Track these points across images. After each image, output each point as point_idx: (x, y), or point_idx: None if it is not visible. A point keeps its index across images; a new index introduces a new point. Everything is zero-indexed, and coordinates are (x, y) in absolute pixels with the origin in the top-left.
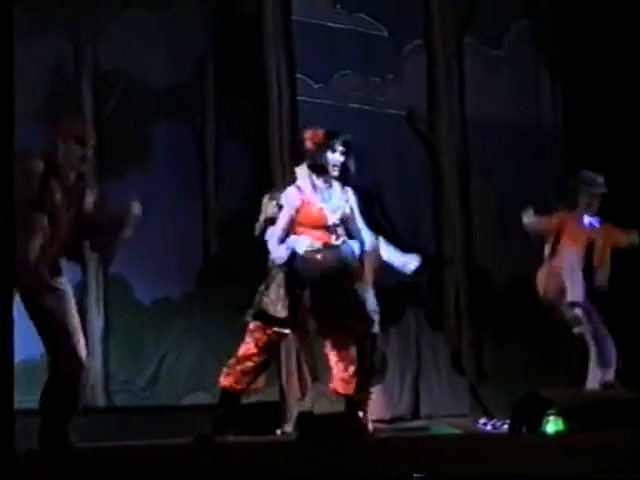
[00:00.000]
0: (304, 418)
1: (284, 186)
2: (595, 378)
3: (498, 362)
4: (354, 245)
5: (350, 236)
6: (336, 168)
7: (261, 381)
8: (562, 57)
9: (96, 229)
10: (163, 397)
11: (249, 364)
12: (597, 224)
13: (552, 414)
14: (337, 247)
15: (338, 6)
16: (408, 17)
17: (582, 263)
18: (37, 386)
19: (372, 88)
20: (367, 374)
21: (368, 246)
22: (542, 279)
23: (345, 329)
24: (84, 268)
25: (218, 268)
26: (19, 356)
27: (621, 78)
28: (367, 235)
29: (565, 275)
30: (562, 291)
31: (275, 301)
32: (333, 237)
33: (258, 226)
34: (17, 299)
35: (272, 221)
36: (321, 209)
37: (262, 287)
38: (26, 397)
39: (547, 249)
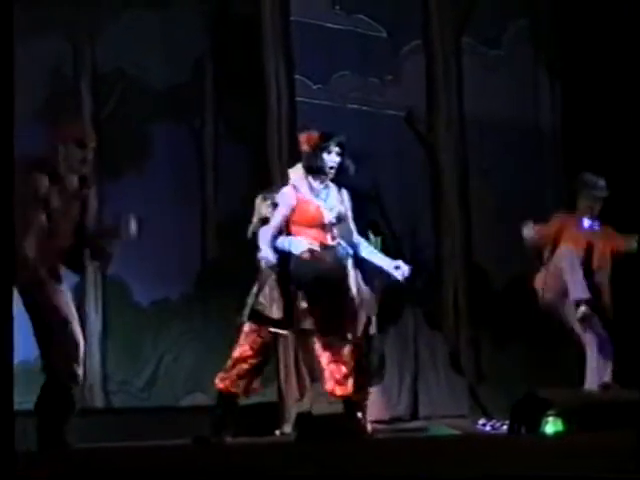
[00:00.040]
0: (303, 419)
1: (281, 187)
2: (593, 379)
3: (497, 362)
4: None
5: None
6: (332, 170)
7: (257, 383)
8: (560, 57)
9: (91, 238)
10: (161, 398)
11: (245, 367)
12: (597, 227)
13: (551, 415)
14: (333, 248)
15: (337, 7)
16: (406, 18)
17: (582, 264)
18: (36, 387)
19: (371, 89)
20: (364, 374)
21: (360, 249)
22: (541, 280)
23: (341, 330)
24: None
25: (216, 270)
26: (18, 357)
27: (620, 78)
28: (359, 238)
29: (566, 274)
30: (563, 291)
31: (270, 302)
32: (329, 236)
33: (251, 227)
34: (15, 295)
35: (266, 221)
36: (318, 207)
37: (255, 288)
38: (26, 398)
39: (546, 252)
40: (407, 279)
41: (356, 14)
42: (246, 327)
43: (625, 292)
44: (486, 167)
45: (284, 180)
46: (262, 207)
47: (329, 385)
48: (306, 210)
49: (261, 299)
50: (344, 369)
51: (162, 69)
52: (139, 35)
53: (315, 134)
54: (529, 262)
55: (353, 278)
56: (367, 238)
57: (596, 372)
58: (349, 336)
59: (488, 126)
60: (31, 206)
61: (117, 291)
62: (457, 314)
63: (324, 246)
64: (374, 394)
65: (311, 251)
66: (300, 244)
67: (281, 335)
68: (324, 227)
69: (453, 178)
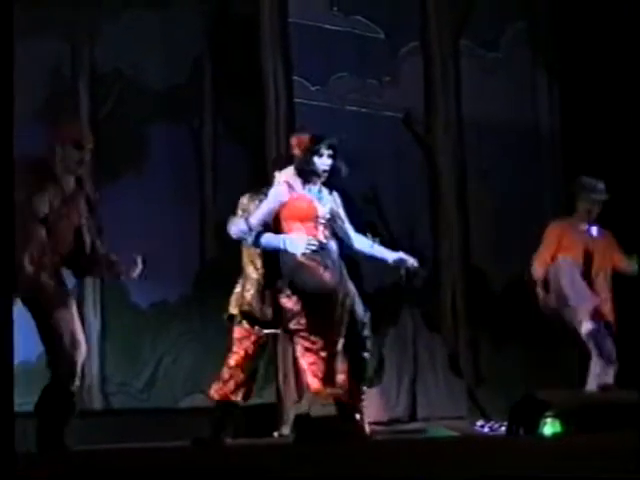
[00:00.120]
0: (301, 420)
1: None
2: (594, 383)
3: (495, 364)
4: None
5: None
6: (324, 173)
7: (254, 388)
8: (559, 59)
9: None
10: (160, 400)
11: (242, 375)
12: (596, 232)
13: (549, 416)
14: (328, 249)
15: (335, 8)
16: (404, 19)
17: (582, 272)
18: (37, 388)
19: (369, 90)
20: (358, 376)
21: (357, 245)
22: (542, 293)
23: (329, 332)
24: None
25: (215, 271)
26: (18, 358)
27: (618, 80)
28: (356, 235)
29: (566, 289)
30: (563, 299)
31: (258, 302)
32: (321, 233)
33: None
34: (18, 303)
35: None
36: (311, 201)
37: (238, 288)
38: (26, 399)
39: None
40: (411, 272)
41: (354, 15)
42: (237, 333)
43: (625, 292)
44: (485, 168)
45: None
46: (250, 206)
47: (314, 384)
48: (299, 205)
49: (251, 300)
50: (325, 367)
51: (161, 69)
52: (138, 35)
53: (306, 137)
54: (527, 263)
55: (346, 278)
56: None
57: (598, 378)
58: (337, 338)
59: (486, 128)
60: (31, 213)
61: (116, 292)
62: (455, 316)
63: (320, 243)
64: (373, 395)
65: (310, 251)
66: (298, 243)
67: (274, 335)
68: (317, 222)
69: (451, 180)
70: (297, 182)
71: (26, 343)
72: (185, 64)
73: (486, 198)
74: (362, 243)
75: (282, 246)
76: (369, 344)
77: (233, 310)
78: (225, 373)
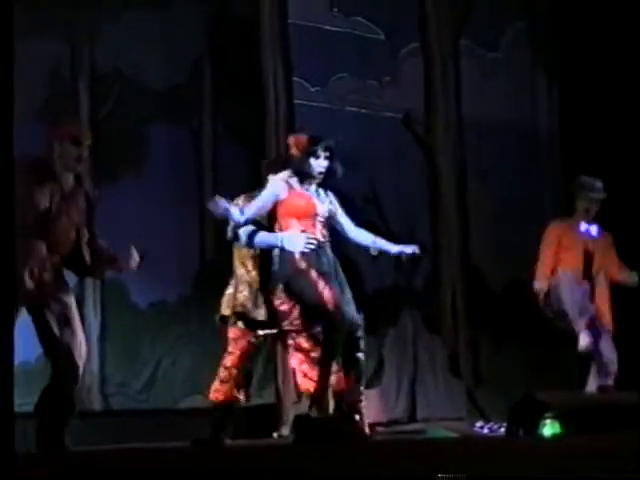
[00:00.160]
0: (301, 421)
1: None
2: (595, 382)
3: (495, 365)
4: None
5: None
6: (320, 175)
7: (252, 387)
8: (558, 59)
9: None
10: (159, 400)
11: (240, 375)
12: (595, 233)
13: (549, 417)
14: (324, 247)
15: (335, 9)
16: (404, 20)
17: (581, 278)
18: (37, 389)
19: (369, 91)
20: (355, 377)
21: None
22: (543, 301)
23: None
24: None
25: (215, 271)
26: (18, 358)
27: (618, 80)
28: (357, 229)
29: (565, 304)
30: (563, 313)
31: (252, 303)
32: (319, 230)
33: (230, 228)
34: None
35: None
36: (310, 198)
37: (230, 289)
38: (26, 400)
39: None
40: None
41: (354, 16)
42: (232, 333)
43: (625, 293)
44: (485, 168)
45: None
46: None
47: (304, 384)
48: (298, 202)
49: (245, 302)
50: (315, 368)
51: (161, 69)
52: (138, 35)
53: (304, 138)
54: (527, 264)
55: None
56: None
57: (598, 381)
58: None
59: (486, 129)
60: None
61: (115, 293)
62: (455, 316)
63: (317, 241)
64: (372, 396)
65: (308, 250)
66: (297, 240)
67: (272, 335)
68: (316, 220)
69: (451, 180)
70: (294, 181)
71: (26, 344)
72: (185, 64)
73: (486, 198)
74: (364, 237)
75: (279, 244)
76: (362, 345)
77: (225, 311)
78: (222, 374)
